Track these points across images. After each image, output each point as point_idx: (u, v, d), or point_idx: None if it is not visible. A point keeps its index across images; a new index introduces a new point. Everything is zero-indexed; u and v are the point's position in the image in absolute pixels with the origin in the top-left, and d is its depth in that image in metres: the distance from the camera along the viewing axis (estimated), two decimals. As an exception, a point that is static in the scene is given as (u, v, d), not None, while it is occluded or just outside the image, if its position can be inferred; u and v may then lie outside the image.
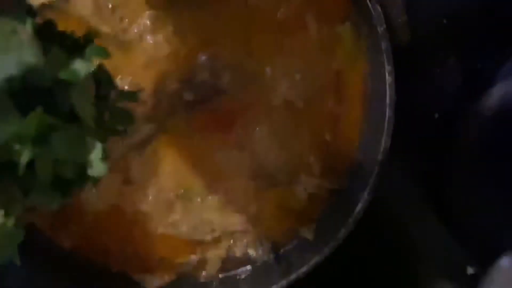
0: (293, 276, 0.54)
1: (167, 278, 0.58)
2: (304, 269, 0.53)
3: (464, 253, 0.61)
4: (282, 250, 0.58)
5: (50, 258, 0.55)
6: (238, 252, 0.57)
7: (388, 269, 0.61)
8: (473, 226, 0.60)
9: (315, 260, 0.52)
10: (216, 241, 0.57)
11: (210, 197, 0.56)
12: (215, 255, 0.58)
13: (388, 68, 0.45)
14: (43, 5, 0.50)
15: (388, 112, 0.46)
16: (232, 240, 0.57)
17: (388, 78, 0.45)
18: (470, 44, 0.56)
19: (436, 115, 0.63)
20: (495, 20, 0.54)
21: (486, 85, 0.58)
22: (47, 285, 0.54)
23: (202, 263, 0.58)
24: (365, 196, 0.50)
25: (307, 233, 0.56)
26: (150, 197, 0.55)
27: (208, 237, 0.57)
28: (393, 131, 0.53)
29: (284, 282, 0.54)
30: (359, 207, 0.50)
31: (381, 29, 0.45)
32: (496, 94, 0.57)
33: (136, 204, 0.55)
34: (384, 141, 0.47)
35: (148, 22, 0.51)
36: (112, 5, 0.51)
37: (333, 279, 0.58)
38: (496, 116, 0.57)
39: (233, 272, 0.58)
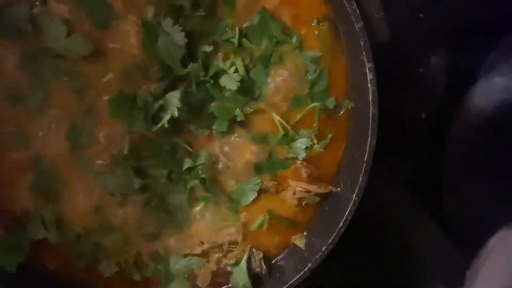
0: (286, 286, 0.52)
1: (158, 296, 0.57)
2: (297, 277, 0.51)
3: (458, 255, 0.60)
4: (274, 260, 0.56)
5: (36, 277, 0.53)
6: (228, 265, 0.56)
7: (381, 272, 0.60)
8: (466, 222, 0.59)
9: (308, 267, 0.51)
10: (205, 254, 0.55)
11: (197, 208, 0.54)
12: (205, 268, 0.56)
13: (368, 65, 0.44)
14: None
15: (371, 109, 0.45)
16: (221, 253, 0.56)
17: (369, 75, 0.44)
18: (450, 41, 0.56)
19: (423, 115, 0.63)
20: (473, 16, 0.54)
21: (469, 82, 0.58)
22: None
23: (192, 278, 0.56)
24: (353, 198, 0.48)
25: (299, 241, 0.55)
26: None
27: (197, 250, 0.55)
28: (380, 132, 0.52)
29: (277, 293, 0.52)
30: (348, 210, 0.49)
31: (358, 26, 0.44)
32: (480, 90, 0.56)
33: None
34: (370, 140, 0.46)
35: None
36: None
37: (327, 285, 0.57)
38: (481, 112, 0.57)
39: (225, 286, 0.57)
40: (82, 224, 0.53)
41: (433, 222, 0.64)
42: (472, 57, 0.57)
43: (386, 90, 0.61)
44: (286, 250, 0.56)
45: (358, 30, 0.44)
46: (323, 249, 0.50)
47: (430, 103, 0.61)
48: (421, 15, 0.51)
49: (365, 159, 0.47)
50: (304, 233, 0.55)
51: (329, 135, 0.52)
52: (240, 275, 0.53)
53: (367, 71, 0.45)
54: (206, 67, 0.48)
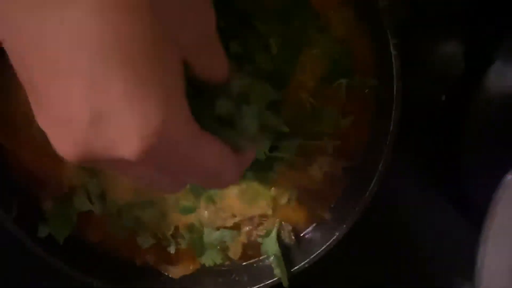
0: (313, 256, 0.55)
1: (192, 267, 0.60)
2: (324, 246, 0.54)
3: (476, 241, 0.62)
4: (302, 234, 0.59)
5: (79, 250, 0.57)
6: (259, 237, 0.59)
7: (398, 259, 0.62)
8: (485, 206, 0.61)
9: (335, 236, 0.53)
10: (237, 226, 0.59)
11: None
12: (236, 241, 0.59)
13: (393, 41, 0.47)
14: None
15: (396, 83, 0.48)
16: (252, 226, 0.59)
17: (393, 51, 0.47)
18: (469, 21, 0.58)
19: (443, 97, 0.65)
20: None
21: (488, 62, 0.60)
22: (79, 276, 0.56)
23: (224, 249, 0.59)
24: (378, 169, 0.51)
25: (326, 215, 0.58)
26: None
27: (229, 223, 0.59)
28: (402, 110, 0.55)
29: (305, 263, 0.55)
30: (374, 180, 0.52)
31: (381, 5, 0.47)
32: (498, 70, 0.59)
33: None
34: (394, 114, 0.49)
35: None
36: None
37: (348, 261, 0.59)
38: (500, 92, 0.59)
39: (255, 259, 0.60)
40: (124, 198, 0.57)
41: (451, 206, 0.66)
42: (491, 38, 0.60)
43: (406, 72, 0.64)
44: (314, 224, 0.59)
45: (381, 8, 0.48)
46: (349, 218, 0.53)
47: (450, 85, 0.64)
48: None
49: (390, 130, 0.50)
50: (331, 206, 0.58)
51: (354, 111, 0.55)
52: (270, 244, 0.56)
53: (391, 47, 0.47)
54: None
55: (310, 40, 0.53)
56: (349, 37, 0.53)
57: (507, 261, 0.37)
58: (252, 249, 0.60)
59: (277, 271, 0.55)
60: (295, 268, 0.55)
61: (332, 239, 0.53)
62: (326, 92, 0.55)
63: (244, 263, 0.60)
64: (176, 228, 0.59)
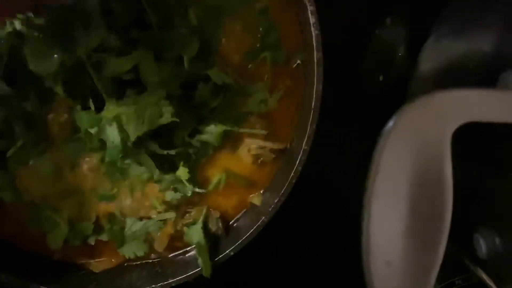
0: (238, 243, 0.51)
1: (114, 260, 0.56)
2: (251, 231, 0.50)
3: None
4: (232, 221, 0.56)
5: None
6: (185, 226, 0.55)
7: (330, 232, 0.59)
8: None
9: (261, 220, 0.50)
10: (162, 216, 0.55)
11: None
12: (162, 232, 0.55)
13: (310, 8, 0.44)
14: None
15: (315, 54, 0.45)
16: (178, 215, 0.55)
17: (311, 18, 0.44)
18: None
19: (381, 78, 0.63)
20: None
21: (422, 41, 0.58)
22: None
23: (149, 241, 0.55)
24: (302, 147, 0.48)
25: (256, 200, 0.54)
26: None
27: (153, 213, 0.55)
28: (341, 98, 0.52)
29: (230, 250, 0.51)
30: (298, 160, 0.48)
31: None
32: (430, 48, 0.56)
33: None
34: (316, 85, 0.46)
35: None
36: None
37: (278, 244, 0.56)
38: (434, 69, 0.57)
39: (181, 250, 0.56)
40: (39, 190, 0.53)
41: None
42: (424, 16, 0.57)
43: (344, 55, 0.62)
44: (244, 210, 0.55)
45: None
46: (276, 201, 0.49)
47: (387, 65, 0.62)
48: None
49: (312, 105, 0.46)
50: (261, 191, 0.54)
51: (282, 88, 0.52)
52: (195, 232, 0.53)
53: (309, 14, 0.45)
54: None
55: (232, 11, 0.50)
56: (273, 9, 0.51)
57: (397, 226, 0.34)
58: (179, 240, 0.56)
59: (199, 261, 0.51)
60: (220, 256, 0.51)
61: (258, 224, 0.50)
62: (251, 68, 0.52)
63: (170, 255, 0.56)
64: (97, 218, 0.55)
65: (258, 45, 0.51)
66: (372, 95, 0.63)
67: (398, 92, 0.61)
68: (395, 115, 0.37)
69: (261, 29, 0.51)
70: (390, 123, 0.37)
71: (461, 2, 0.55)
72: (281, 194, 0.49)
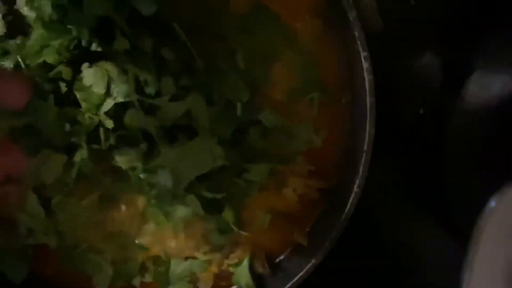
0: (289, 286, 0.51)
1: (159, 300, 0.55)
2: (300, 274, 0.50)
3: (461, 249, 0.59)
4: (277, 260, 0.55)
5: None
6: (231, 266, 0.54)
7: (381, 272, 0.58)
8: (468, 216, 0.58)
9: (311, 263, 0.49)
10: (207, 256, 0.54)
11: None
12: (206, 271, 0.55)
13: (363, 54, 0.44)
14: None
15: (369, 98, 0.45)
16: (223, 255, 0.54)
17: (365, 64, 0.44)
18: (445, 30, 0.56)
19: (421, 111, 0.62)
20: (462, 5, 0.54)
21: (466, 73, 0.58)
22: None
23: (193, 281, 0.54)
24: (354, 189, 0.48)
25: (301, 239, 0.54)
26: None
27: (198, 253, 0.54)
28: (378, 128, 0.51)
29: (282, 292, 0.51)
30: (350, 202, 0.48)
31: (352, 16, 0.44)
32: (476, 81, 0.56)
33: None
34: (369, 129, 0.46)
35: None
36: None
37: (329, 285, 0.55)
38: (479, 103, 0.56)
39: (227, 289, 0.55)
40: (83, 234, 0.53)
41: (435, 219, 0.63)
42: (468, 48, 0.57)
43: (382, 87, 0.62)
44: (289, 249, 0.55)
45: (351, 20, 0.45)
46: (326, 244, 0.49)
47: (428, 98, 0.61)
48: (412, 3, 0.52)
49: (365, 148, 0.46)
50: (307, 230, 0.54)
51: (327, 128, 0.52)
52: (242, 274, 0.52)
53: (363, 60, 0.44)
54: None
55: (277, 53, 0.50)
56: (318, 50, 0.50)
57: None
58: (224, 279, 0.55)
59: (249, 303, 0.51)
60: (269, 299, 0.51)
61: (308, 267, 0.49)
62: (296, 108, 0.51)
63: (215, 295, 0.55)
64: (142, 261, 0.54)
65: (303, 85, 0.51)
66: (412, 129, 0.62)
67: (438, 125, 0.61)
68: (496, 195, 0.37)
69: (304, 68, 0.51)
70: (492, 204, 0.37)
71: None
72: (332, 237, 0.49)
